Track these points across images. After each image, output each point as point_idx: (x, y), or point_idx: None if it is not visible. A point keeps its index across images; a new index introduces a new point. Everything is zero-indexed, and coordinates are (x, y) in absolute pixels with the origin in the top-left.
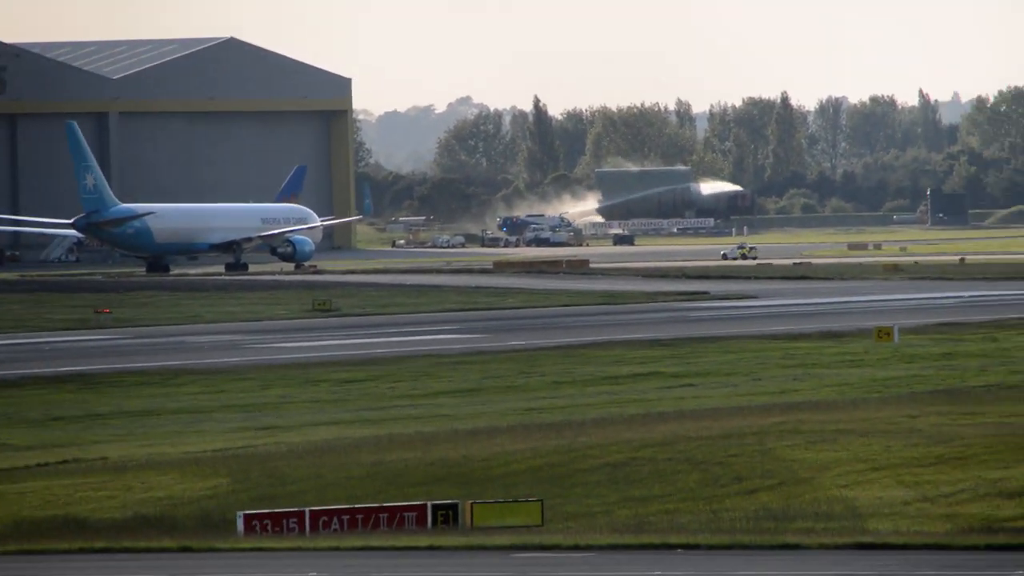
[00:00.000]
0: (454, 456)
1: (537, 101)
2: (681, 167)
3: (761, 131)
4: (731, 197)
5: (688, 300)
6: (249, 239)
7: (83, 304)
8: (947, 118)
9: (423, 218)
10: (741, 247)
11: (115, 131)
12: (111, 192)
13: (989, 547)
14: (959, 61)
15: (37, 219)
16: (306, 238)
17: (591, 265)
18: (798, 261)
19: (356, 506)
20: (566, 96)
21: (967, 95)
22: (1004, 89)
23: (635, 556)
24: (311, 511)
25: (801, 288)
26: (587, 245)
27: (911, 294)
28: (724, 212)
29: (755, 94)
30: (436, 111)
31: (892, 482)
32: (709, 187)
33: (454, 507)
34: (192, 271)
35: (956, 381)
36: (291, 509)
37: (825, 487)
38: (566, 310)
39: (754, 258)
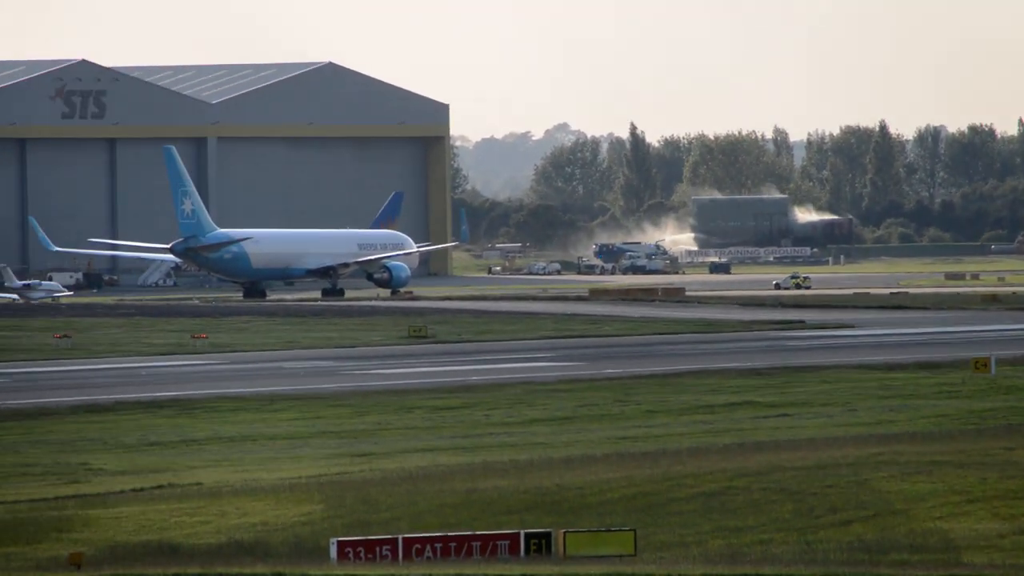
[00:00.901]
0: (548, 484)
1: (634, 128)
2: (778, 195)
3: (859, 160)
4: (828, 225)
5: (784, 329)
6: (346, 265)
7: (180, 329)
8: None
9: (519, 245)
10: (795, 276)
11: (213, 156)
12: (209, 217)
13: None
14: None
15: (135, 243)
16: (403, 264)
17: (687, 293)
18: (895, 290)
19: (449, 534)
20: (663, 123)
21: None
22: None
23: None
24: (404, 538)
25: (898, 318)
26: (683, 273)
27: (1009, 325)
28: (821, 240)
29: (853, 122)
30: (533, 138)
31: (988, 514)
32: (806, 215)
33: (547, 536)
34: (289, 296)
35: None
36: (384, 536)
37: (920, 519)
38: (661, 338)
39: (808, 287)
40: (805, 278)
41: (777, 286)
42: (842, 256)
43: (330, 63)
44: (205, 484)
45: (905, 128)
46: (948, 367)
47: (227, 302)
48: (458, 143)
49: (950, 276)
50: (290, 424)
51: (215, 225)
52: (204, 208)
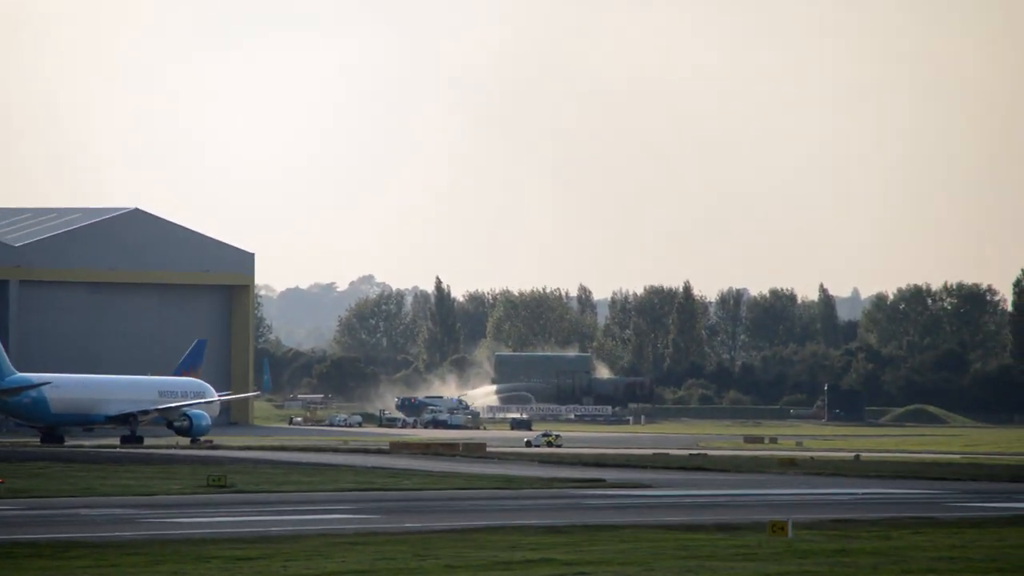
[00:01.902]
0: None
1: (439, 282)
2: (580, 353)
3: (662, 320)
4: (629, 385)
5: (584, 487)
6: (146, 412)
7: None
8: (848, 314)
9: (321, 396)
10: (546, 435)
11: (15, 299)
12: (8, 361)
13: None
14: (859, 258)
15: None
16: (203, 412)
17: (488, 449)
18: (694, 452)
19: None
20: (468, 278)
21: (867, 292)
22: (903, 287)
23: None
24: None
25: (697, 479)
26: (484, 428)
27: (806, 489)
28: (622, 399)
29: (657, 283)
30: (338, 289)
31: None
32: (608, 374)
33: None
34: (87, 443)
35: None
36: None
37: None
38: (462, 493)
39: (559, 446)
40: (556, 436)
41: (528, 444)
42: (642, 416)
43: (136, 209)
44: None
45: (708, 290)
46: (746, 529)
47: (24, 447)
48: (263, 292)
49: (749, 439)
50: (85, 572)
51: (14, 369)
52: (3, 352)
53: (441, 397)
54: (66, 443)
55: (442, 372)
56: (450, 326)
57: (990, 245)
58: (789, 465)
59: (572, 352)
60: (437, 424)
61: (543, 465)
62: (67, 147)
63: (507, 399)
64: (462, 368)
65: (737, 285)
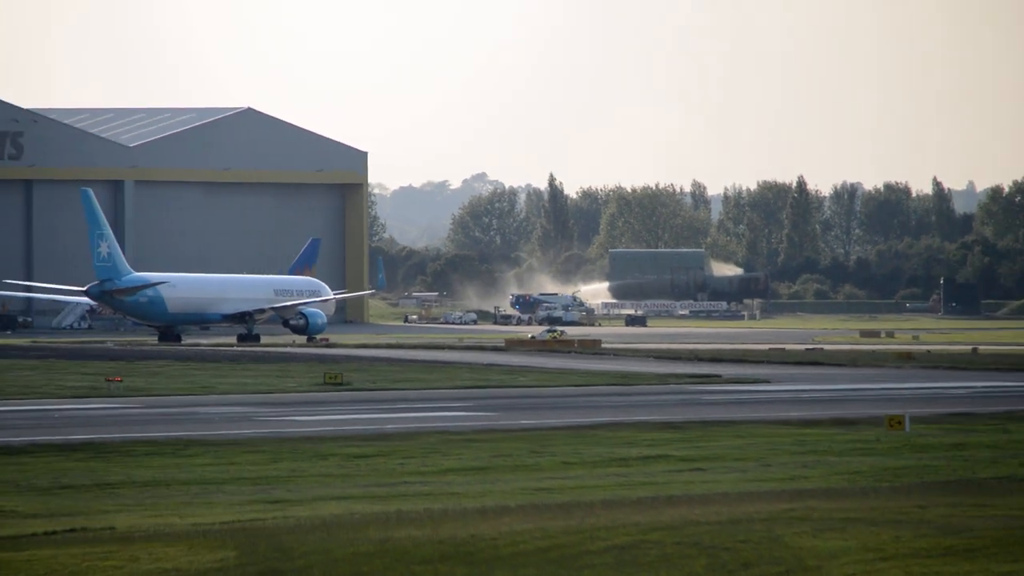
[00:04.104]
0: (462, 535)
1: (552, 179)
2: (695, 249)
3: (776, 215)
4: (744, 280)
5: (700, 383)
6: (262, 311)
7: (94, 372)
8: (962, 207)
9: (435, 294)
10: (551, 331)
11: (130, 199)
12: (125, 260)
13: None
14: (974, 150)
15: (50, 285)
16: (319, 311)
17: (603, 345)
18: (811, 347)
19: None
20: (581, 175)
21: (982, 184)
22: (1019, 179)
23: None
24: None
25: (813, 374)
26: (599, 325)
27: (923, 383)
28: (737, 295)
29: (770, 178)
30: (451, 187)
31: (900, 572)
32: (723, 270)
33: None
34: (204, 341)
35: (967, 472)
36: None
37: (833, 575)
38: (577, 390)
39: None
40: (561, 332)
41: (533, 338)
42: (757, 311)
43: (249, 108)
44: (118, 528)
45: (822, 184)
46: (863, 424)
47: (142, 346)
48: (376, 191)
49: (865, 333)
50: (204, 469)
51: (131, 268)
52: (120, 251)
53: (556, 294)
54: (183, 341)
55: (556, 269)
56: (563, 223)
57: None
58: (906, 359)
59: (686, 249)
60: (552, 321)
61: (659, 361)
62: (181, 47)
63: (621, 296)
64: (576, 265)
65: (851, 179)
